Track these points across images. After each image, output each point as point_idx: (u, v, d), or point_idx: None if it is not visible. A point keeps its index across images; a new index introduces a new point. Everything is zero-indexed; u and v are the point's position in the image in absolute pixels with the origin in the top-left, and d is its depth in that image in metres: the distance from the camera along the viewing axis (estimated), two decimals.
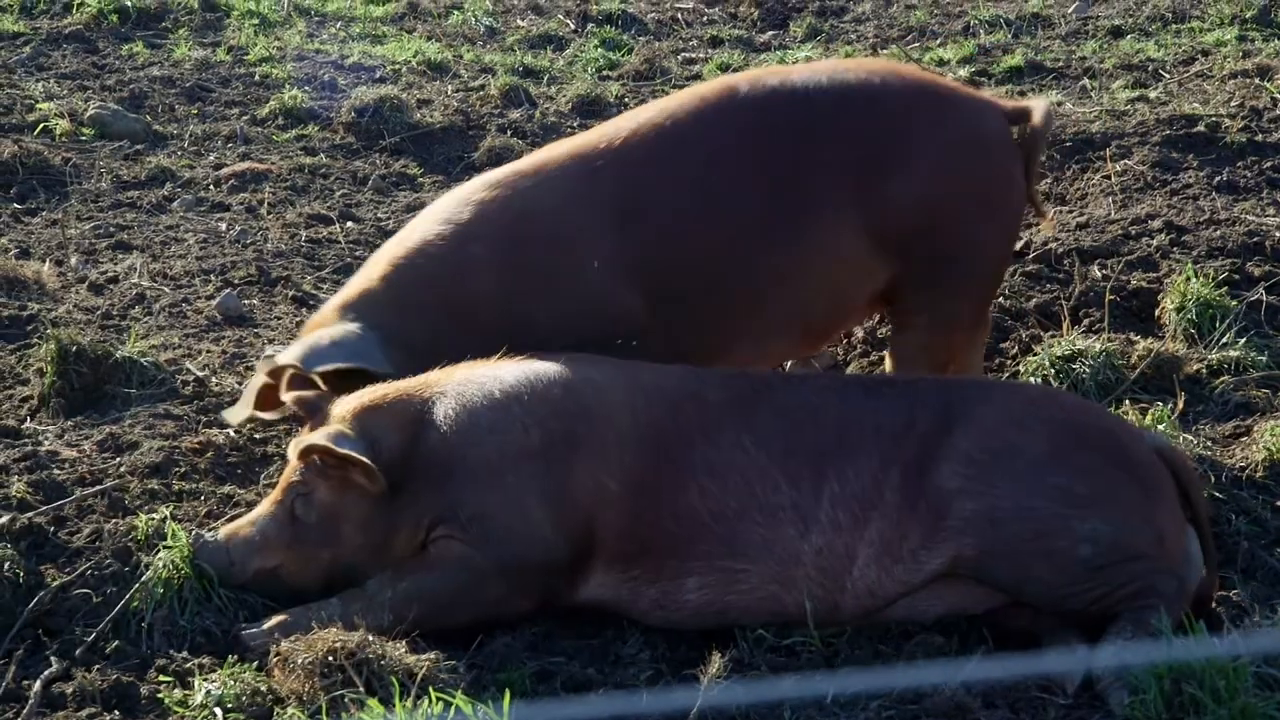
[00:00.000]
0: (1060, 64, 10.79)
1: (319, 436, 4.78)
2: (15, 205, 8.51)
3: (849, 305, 5.64)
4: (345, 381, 5.10)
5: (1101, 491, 4.65)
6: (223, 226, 8.24)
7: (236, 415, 5.56)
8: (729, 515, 4.68)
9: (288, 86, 10.49)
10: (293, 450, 4.86)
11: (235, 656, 4.58)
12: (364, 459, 4.70)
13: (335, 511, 4.82)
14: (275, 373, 5.26)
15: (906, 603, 4.69)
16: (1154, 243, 7.31)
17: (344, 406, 4.92)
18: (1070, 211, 7.91)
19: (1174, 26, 11.56)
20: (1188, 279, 6.63)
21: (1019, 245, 7.38)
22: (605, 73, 11.26)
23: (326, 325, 5.34)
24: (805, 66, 5.97)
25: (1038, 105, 5.84)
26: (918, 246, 5.52)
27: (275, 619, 4.67)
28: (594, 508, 4.71)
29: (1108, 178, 8.19)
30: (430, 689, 4.23)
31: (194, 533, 4.94)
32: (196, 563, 4.81)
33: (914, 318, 5.67)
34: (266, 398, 5.42)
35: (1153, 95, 9.71)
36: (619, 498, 4.72)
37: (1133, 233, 7.47)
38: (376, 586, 4.71)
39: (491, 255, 5.32)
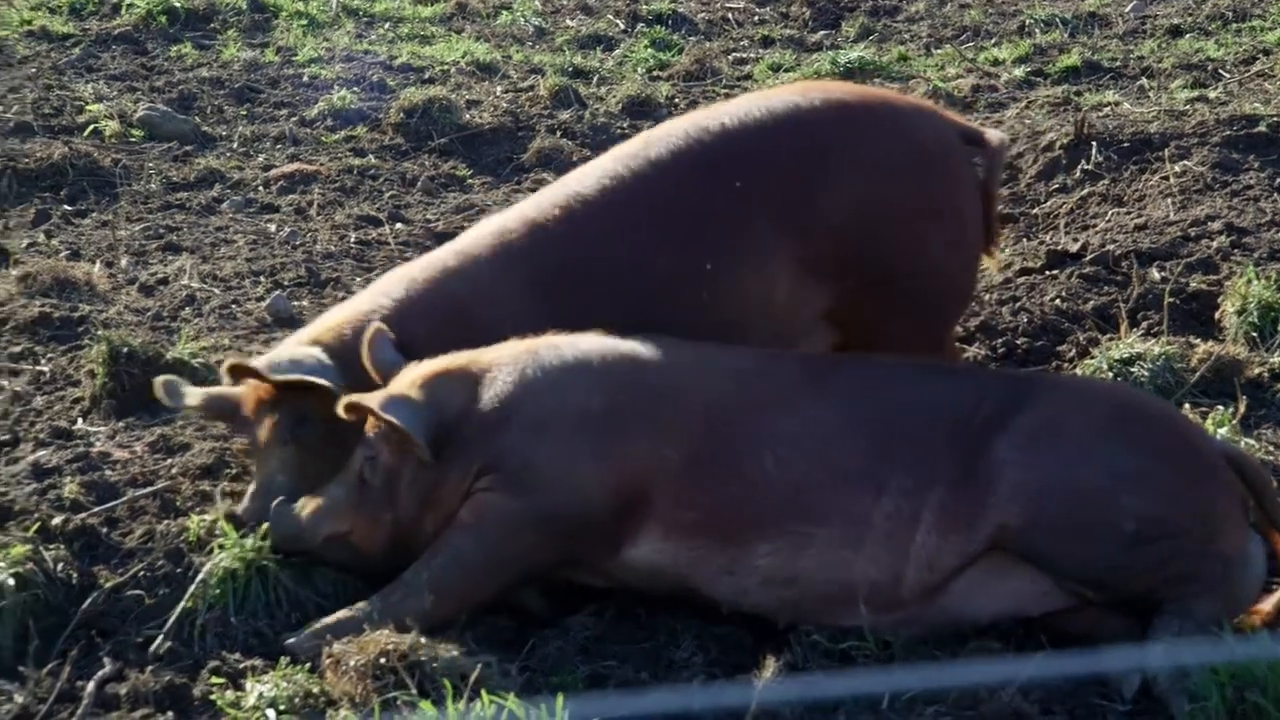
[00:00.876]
0: (1117, 63, 10.73)
1: (371, 398, 4.81)
2: (66, 207, 8.54)
3: (793, 333, 5.51)
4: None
5: (1148, 468, 4.62)
6: (272, 228, 8.26)
7: (185, 398, 5.38)
8: (802, 481, 4.69)
9: (336, 87, 10.53)
10: (340, 406, 4.85)
11: (287, 659, 4.57)
12: (397, 422, 4.72)
13: (395, 474, 4.84)
14: (234, 370, 5.25)
15: (962, 591, 4.66)
16: (1214, 244, 7.25)
17: (417, 371, 4.94)
18: (1128, 213, 7.86)
19: (1234, 25, 11.49)
20: (1249, 281, 6.58)
21: (1076, 247, 7.33)
22: (655, 73, 11.26)
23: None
24: (744, 98, 5.79)
25: (993, 133, 5.74)
26: (855, 268, 5.38)
27: (319, 624, 4.68)
28: (650, 475, 4.71)
29: (1166, 179, 8.13)
30: (483, 691, 4.21)
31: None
32: (252, 556, 4.85)
33: (864, 344, 5.48)
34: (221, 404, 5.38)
35: (1212, 95, 9.65)
36: (681, 468, 4.72)
37: (1192, 234, 7.42)
38: (411, 572, 4.72)
39: (427, 333, 5.28)
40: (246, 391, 5.25)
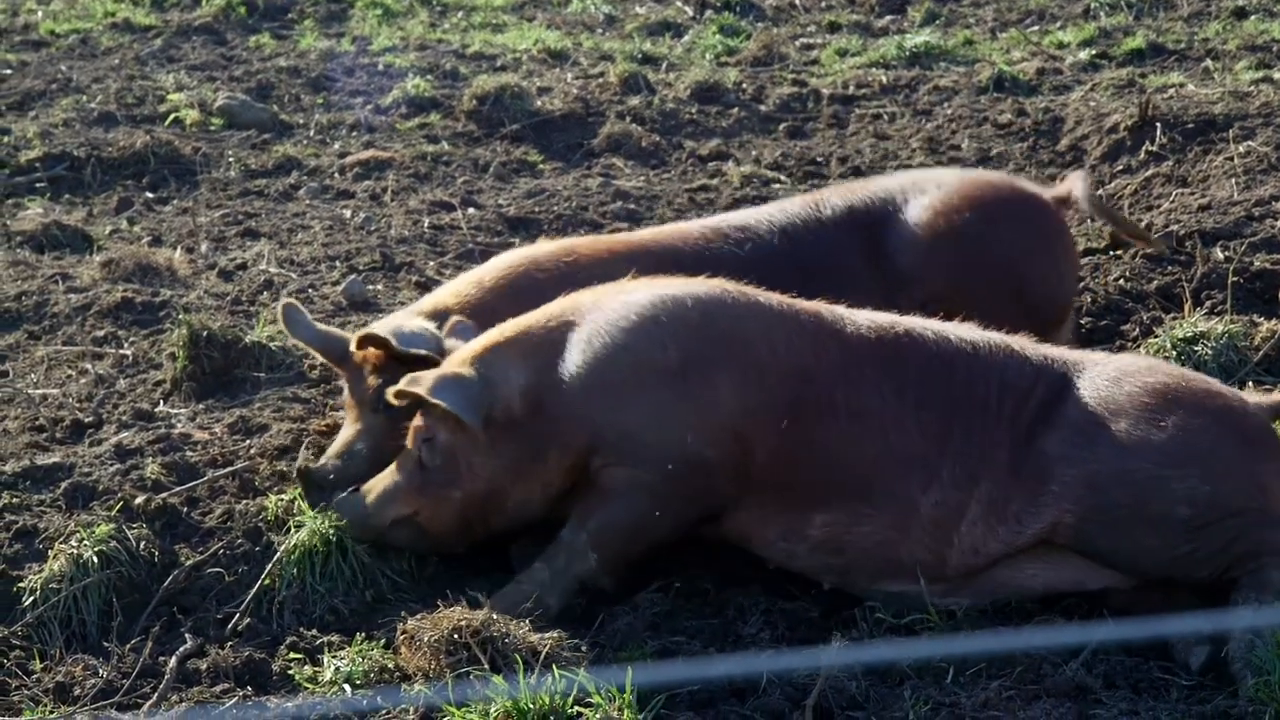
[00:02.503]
0: (1182, 45, 10.69)
1: (418, 381, 4.85)
2: (148, 194, 8.68)
3: None
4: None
5: (1198, 449, 4.59)
6: (348, 214, 8.35)
7: (303, 328, 5.53)
8: (864, 459, 4.71)
9: (410, 75, 10.61)
10: (390, 393, 4.92)
11: (363, 635, 4.65)
12: (445, 405, 4.75)
13: (455, 452, 4.87)
14: (364, 340, 5.32)
15: (1010, 566, 4.69)
16: (1278, 224, 7.23)
17: (472, 346, 4.98)
18: (1192, 193, 7.84)
19: None
20: None
21: (1141, 227, 7.33)
22: (723, 59, 11.29)
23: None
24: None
25: (1076, 184, 6.19)
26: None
27: (492, 599, 4.69)
28: (740, 426, 4.72)
29: (1230, 159, 8.11)
30: (554, 666, 4.27)
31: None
32: (329, 534, 4.92)
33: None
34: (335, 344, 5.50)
35: (1277, 76, 9.60)
36: (763, 422, 4.72)
37: (1256, 214, 7.39)
38: (569, 534, 4.78)
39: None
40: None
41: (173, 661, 4.60)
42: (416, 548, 5.02)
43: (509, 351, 4.89)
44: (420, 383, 4.83)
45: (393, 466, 5.01)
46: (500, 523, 4.93)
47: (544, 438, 4.81)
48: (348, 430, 5.33)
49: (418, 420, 4.94)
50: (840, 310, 4.95)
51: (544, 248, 5.85)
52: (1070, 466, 4.59)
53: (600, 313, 4.87)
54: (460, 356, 4.95)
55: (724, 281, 4.99)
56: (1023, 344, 4.89)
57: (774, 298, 4.94)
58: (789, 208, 6.00)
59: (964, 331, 4.92)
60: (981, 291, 5.56)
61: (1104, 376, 4.76)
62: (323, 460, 5.27)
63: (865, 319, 4.90)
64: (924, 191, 5.92)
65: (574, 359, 4.81)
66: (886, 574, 4.74)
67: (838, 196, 6.01)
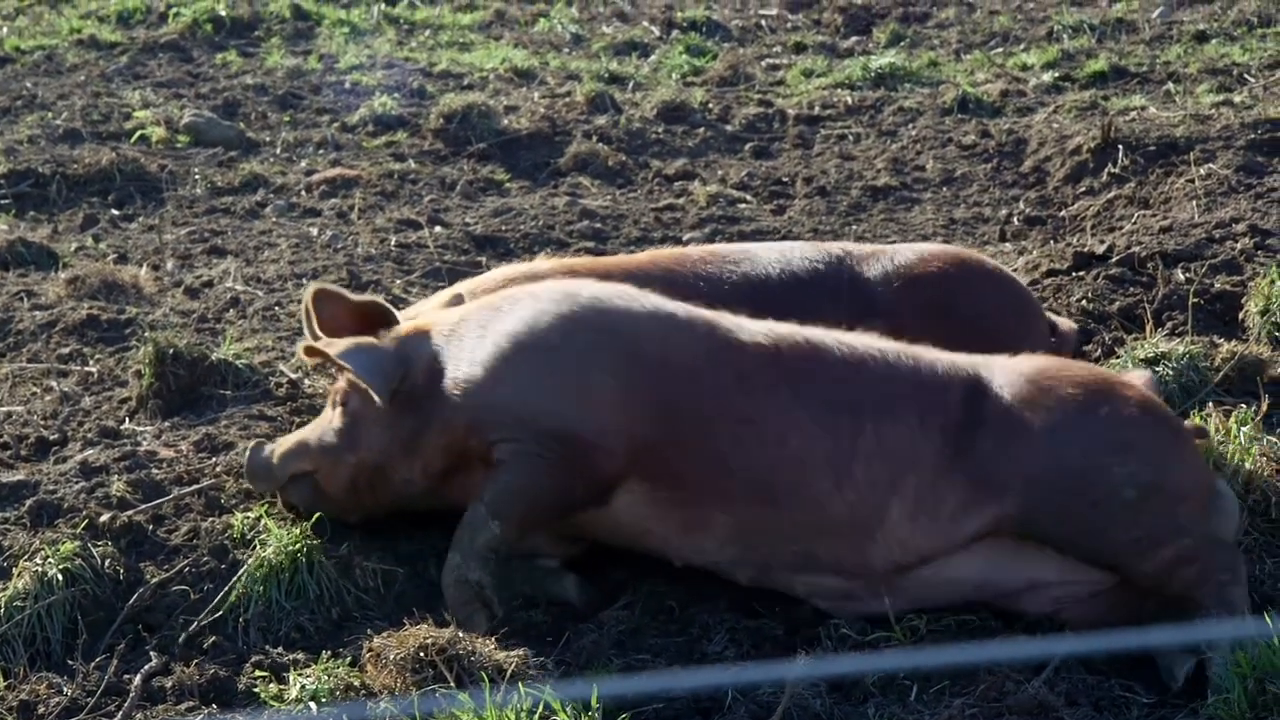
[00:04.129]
0: (1144, 68, 10.77)
1: (333, 344, 5.01)
2: (113, 211, 8.68)
3: None
4: None
5: (1135, 436, 4.68)
6: (314, 231, 8.36)
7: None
8: (760, 461, 4.73)
9: (377, 94, 10.63)
10: (300, 348, 5.14)
11: (328, 652, 4.66)
12: (350, 367, 4.92)
13: (359, 419, 5.02)
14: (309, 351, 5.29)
15: (946, 564, 4.72)
16: (1238, 246, 7.28)
17: (405, 325, 5.14)
18: (1154, 215, 7.90)
19: (1260, 30, 11.52)
20: (1272, 282, 6.59)
21: (1103, 249, 7.39)
22: (690, 79, 11.33)
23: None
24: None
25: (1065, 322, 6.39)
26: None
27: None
28: (615, 413, 4.78)
29: (1192, 181, 8.17)
30: (520, 684, 4.28)
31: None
32: (295, 551, 4.95)
33: None
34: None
35: (1237, 99, 9.69)
36: (640, 414, 4.78)
37: (1216, 236, 7.45)
38: (470, 513, 4.84)
39: None
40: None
41: (137, 679, 4.59)
42: (312, 508, 5.11)
43: (431, 331, 5.03)
44: (334, 346, 4.98)
45: (308, 426, 5.18)
46: (386, 497, 5.05)
47: (431, 414, 4.90)
48: (312, 424, 5.41)
49: (339, 382, 5.10)
50: (743, 320, 5.00)
51: (544, 264, 5.99)
52: (1006, 463, 4.64)
53: (510, 301, 4.99)
54: (391, 332, 5.08)
55: (633, 288, 5.08)
56: (930, 350, 4.93)
57: (679, 305, 5.01)
58: (784, 246, 6.17)
59: (872, 339, 4.97)
60: (948, 335, 5.63)
61: (1019, 374, 4.81)
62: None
63: (766, 327, 4.94)
64: (911, 247, 6.10)
65: (469, 339, 4.93)
66: (805, 569, 4.77)
67: (836, 244, 6.19)
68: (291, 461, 5.14)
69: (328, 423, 5.10)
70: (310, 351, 5.07)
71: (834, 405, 4.76)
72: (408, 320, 5.25)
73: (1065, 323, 6.29)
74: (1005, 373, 4.82)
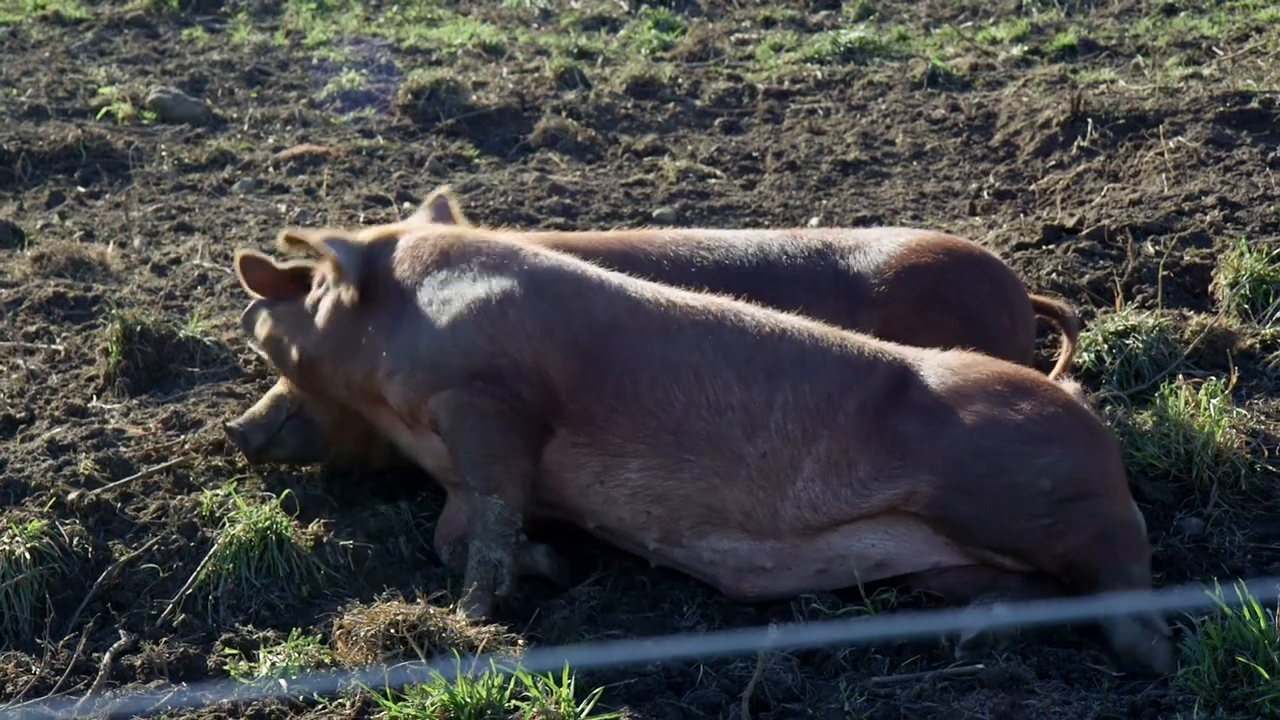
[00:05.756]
0: (1113, 42, 10.78)
1: (314, 233, 5.22)
2: (79, 188, 8.63)
3: None
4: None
5: (1056, 430, 4.71)
6: (282, 208, 8.33)
7: None
8: (677, 407, 4.79)
9: (345, 70, 10.59)
10: (280, 236, 5.33)
11: (299, 630, 4.65)
12: (333, 253, 5.10)
13: (315, 310, 5.23)
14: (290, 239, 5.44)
15: (850, 533, 4.74)
16: (1207, 219, 7.30)
17: (372, 230, 5.33)
18: (1123, 188, 7.91)
19: (1227, 4, 11.53)
20: (1241, 254, 6.61)
21: (1072, 222, 7.40)
22: (659, 54, 11.31)
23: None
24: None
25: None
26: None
27: (460, 603, 4.77)
28: (536, 345, 4.87)
29: (1161, 155, 8.19)
30: (491, 660, 4.27)
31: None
32: (265, 529, 4.94)
33: None
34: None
35: (1206, 72, 9.70)
36: (562, 357, 4.86)
37: (1186, 209, 7.46)
38: (469, 504, 4.87)
39: None
40: None
41: (106, 658, 4.58)
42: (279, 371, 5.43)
43: (392, 250, 5.17)
44: (314, 234, 5.19)
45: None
46: (313, 386, 5.29)
47: (365, 338, 5.04)
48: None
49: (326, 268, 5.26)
50: (678, 289, 5.09)
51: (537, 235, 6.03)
52: (926, 442, 4.68)
53: (462, 245, 5.12)
54: (368, 232, 5.30)
55: (574, 258, 5.17)
56: (865, 337, 4.99)
57: (614, 275, 5.09)
58: (768, 233, 6.12)
59: (801, 319, 5.02)
60: (938, 325, 5.61)
61: (945, 366, 4.87)
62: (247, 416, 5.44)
63: (697, 296, 5.05)
64: (898, 235, 6.03)
65: (414, 273, 5.08)
66: (712, 524, 4.79)
67: (816, 232, 6.13)
68: (263, 327, 5.36)
69: (300, 304, 5.27)
70: (290, 240, 5.25)
71: (754, 362, 4.83)
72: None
73: (1065, 305, 6.21)
74: (934, 364, 4.88)
